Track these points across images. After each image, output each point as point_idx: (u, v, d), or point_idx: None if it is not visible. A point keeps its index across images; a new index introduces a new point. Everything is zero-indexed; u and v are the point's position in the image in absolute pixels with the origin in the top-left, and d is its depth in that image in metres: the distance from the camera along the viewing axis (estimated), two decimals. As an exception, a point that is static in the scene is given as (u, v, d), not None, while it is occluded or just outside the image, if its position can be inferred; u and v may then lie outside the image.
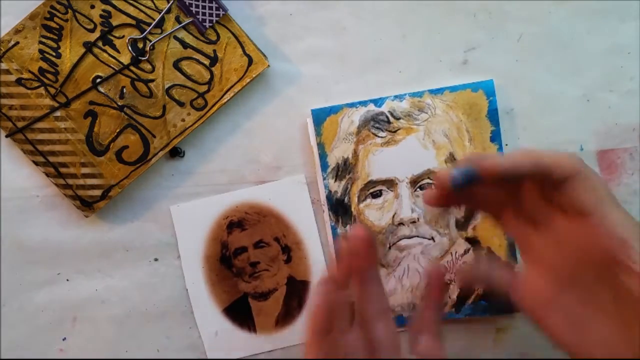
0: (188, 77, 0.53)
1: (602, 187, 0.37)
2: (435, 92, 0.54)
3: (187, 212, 0.56)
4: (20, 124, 0.53)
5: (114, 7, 0.52)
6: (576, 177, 0.37)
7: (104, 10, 0.52)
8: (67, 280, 0.57)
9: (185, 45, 0.53)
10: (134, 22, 0.53)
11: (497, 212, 0.42)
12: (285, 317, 0.57)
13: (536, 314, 0.39)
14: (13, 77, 0.53)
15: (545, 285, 0.39)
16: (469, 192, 0.40)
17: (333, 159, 0.55)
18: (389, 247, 0.55)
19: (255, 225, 0.56)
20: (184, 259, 0.56)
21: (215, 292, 0.56)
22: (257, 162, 0.56)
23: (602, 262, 0.37)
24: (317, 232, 0.56)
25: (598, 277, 0.37)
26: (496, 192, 0.41)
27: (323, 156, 0.55)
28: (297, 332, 0.57)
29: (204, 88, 0.53)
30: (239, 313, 0.57)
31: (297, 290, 0.56)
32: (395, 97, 0.54)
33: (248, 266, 0.56)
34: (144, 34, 0.53)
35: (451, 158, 0.54)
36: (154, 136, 0.54)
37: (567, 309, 0.38)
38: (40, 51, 0.53)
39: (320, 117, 0.54)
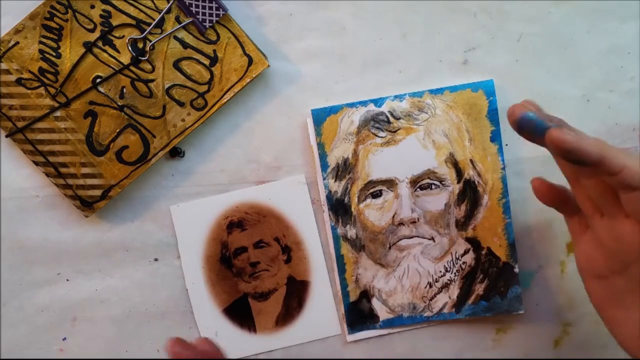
0: (188, 77, 0.53)
1: None
2: (435, 92, 0.54)
3: (187, 212, 0.56)
4: (20, 124, 0.53)
5: (114, 7, 0.52)
6: None
7: (104, 10, 0.52)
8: (67, 280, 0.57)
9: (185, 45, 0.53)
10: (134, 22, 0.53)
11: (572, 181, 0.43)
12: (285, 317, 0.57)
13: (587, 278, 0.44)
14: (13, 77, 0.53)
15: (599, 260, 0.42)
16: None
17: (333, 159, 0.55)
18: (389, 247, 0.55)
19: (255, 225, 0.56)
20: (184, 259, 0.56)
21: (215, 292, 0.56)
22: (257, 162, 0.56)
23: None
24: (318, 232, 0.56)
25: None
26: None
27: (323, 156, 0.55)
28: (297, 332, 0.57)
29: (204, 88, 0.53)
30: (239, 313, 0.57)
31: (297, 290, 0.56)
32: (395, 97, 0.54)
33: (248, 266, 0.56)
34: (144, 34, 0.53)
35: (451, 158, 0.54)
36: (154, 136, 0.54)
37: (613, 288, 0.42)
38: (40, 51, 0.53)
39: (320, 117, 0.54)
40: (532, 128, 0.39)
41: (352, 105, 0.54)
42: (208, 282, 0.56)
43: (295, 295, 0.56)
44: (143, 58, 0.53)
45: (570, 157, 0.37)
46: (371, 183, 0.54)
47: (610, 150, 0.37)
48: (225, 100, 0.54)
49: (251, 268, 0.56)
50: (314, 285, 0.56)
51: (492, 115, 0.54)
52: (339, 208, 0.55)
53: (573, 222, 0.45)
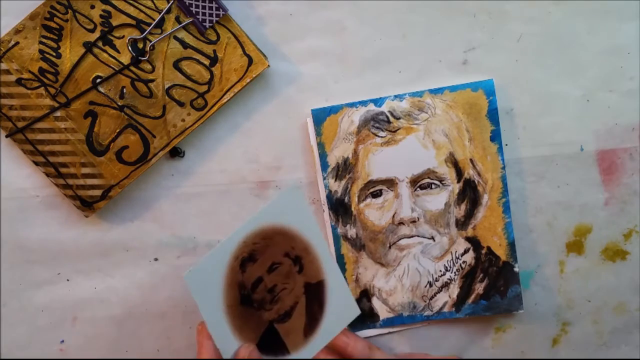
0: (188, 77, 0.53)
1: None
2: (435, 91, 0.54)
3: (201, 274, 0.50)
4: (20, 124, 0.53)
5: (114, 7, 0.52)
6: None
7: (104, 10, 0.52)
8: (67, 280, 0.57)
9: (185, 45, 0.53)
10: (134, 22, 0.52)
11: None
12: (311, 325, 0.53)
13: None
14: (13, 77, 0.53)
15: None
16: None
17: (333, 159, 0.55)
18: (389, 247, 0.55)
19: (265, 251, 0.52)
20: (207, 320, 0.50)
21: (243, 336, 0.52)
22: (257, 162, 0.56)
23: None
24: (319, 231, 0.55)
25: None
26: None
27: (323, 156, 0.55)
28: (325, 333, 0.54)
29: (204, 88, 0.53)
30: (270, 343, 0.53)
31: (315, 293, 0.54)
32: (395, 97, 0.54)
33: (267, 294, 0.53)
34: (144, 34, 0.53)
35: (451, 157, 0.54)
36: (154, 136, 0.54)
37: None
38: (40, 51, 0.53)
39: (320, 117, 0.54)
40: None
41: (352, 105, 0.54)
42: (235, 330, 0.52)
43: (315, 299, 0.54)
44: (143, 58, 0.53)
45: None
46: (371, 183, 0.55)
47: None
48: (225, 100, 0.54)
49: (270, 295, 0.53)
50: (329, 281, 0.53)
51: (492, 115, 0.54)
52: (339, 208, 0.55)
53: None
